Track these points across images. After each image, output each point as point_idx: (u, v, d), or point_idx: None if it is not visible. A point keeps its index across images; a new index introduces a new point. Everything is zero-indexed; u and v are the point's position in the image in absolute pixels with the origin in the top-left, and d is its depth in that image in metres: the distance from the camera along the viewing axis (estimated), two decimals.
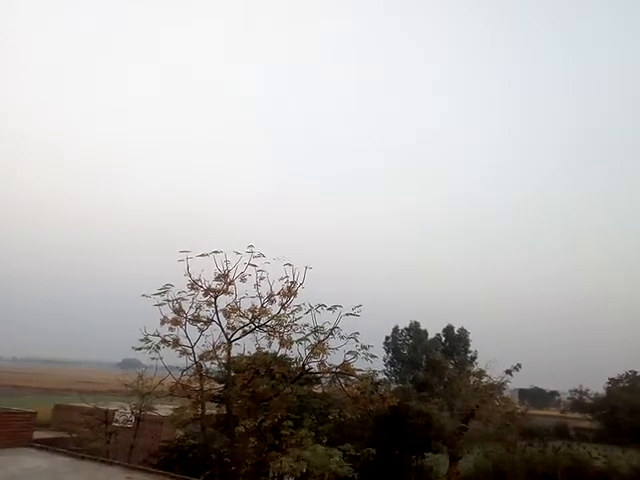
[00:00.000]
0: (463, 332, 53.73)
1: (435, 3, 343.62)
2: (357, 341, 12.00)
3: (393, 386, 30.37)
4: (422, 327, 56.48)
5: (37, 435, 15.96)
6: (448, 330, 54.02)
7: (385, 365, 54.48)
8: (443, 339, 54.05)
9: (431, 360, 30.59)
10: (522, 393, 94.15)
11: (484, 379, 22.74)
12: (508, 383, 23.37)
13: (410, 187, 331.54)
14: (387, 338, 57.32)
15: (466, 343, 53.37)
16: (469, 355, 51.27)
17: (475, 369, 24.53)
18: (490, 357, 22.80)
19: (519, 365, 22.95)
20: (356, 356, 12.07)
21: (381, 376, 18.50)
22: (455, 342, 53.38)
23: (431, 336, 55.03)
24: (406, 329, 57.47)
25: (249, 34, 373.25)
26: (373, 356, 12.33)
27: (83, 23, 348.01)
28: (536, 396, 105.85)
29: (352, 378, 12.71)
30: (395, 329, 57.91)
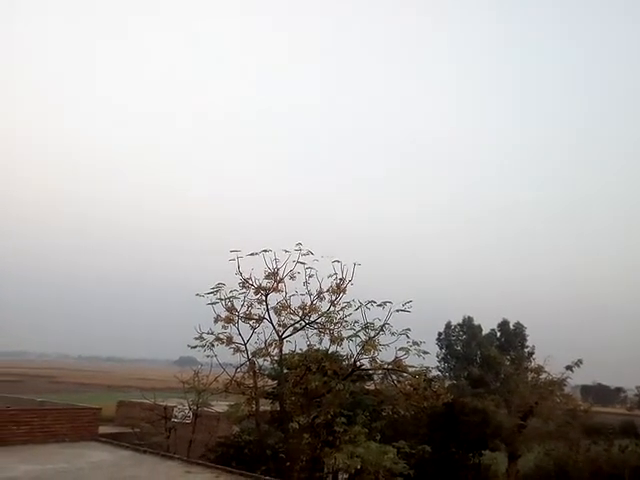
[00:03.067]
0: (519, 327, 52.07)
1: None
2: (408, 337, 11.86)
3: (447, 382, 29.83)
4: (475, 322, 55.12)
5: (102, 430, 16.69)
6: (503, 325, 52.50)
7: (438, 361, 53.52)
8: (498, 334, 52.58)
9: (486, 356, 29.84)
10: (585, 390, 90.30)
11: (543, 375, 21.92)
12: (569, 379, 22.44)
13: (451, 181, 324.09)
14: (440, 334, 56.30)
15: (523, 338, 51.66)
16: (526, 350, 49.51)
17: (533, 365, 23.69)
18: (549, 353, 21.99)
19: (580, 361, 21.97)
20: (408, 352, 11.93)
21: (434, 372, 18.12)
22: (511, 337, 51.81)
23: (485, 331, 53.62)
24: (459, 325, 56.24)
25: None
26: (425, 352, 12.15)
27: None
28: (600, 393, 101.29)
29: (404, 375, 12.56)
30: (448, 325, 56.80)
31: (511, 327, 52.16)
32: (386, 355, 12.30)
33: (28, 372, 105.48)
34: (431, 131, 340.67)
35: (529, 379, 22.28)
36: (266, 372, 14.49)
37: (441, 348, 55.36)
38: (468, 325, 55.40)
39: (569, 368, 21.80)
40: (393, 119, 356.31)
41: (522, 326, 51.80)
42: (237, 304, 12.63)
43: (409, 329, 11.89)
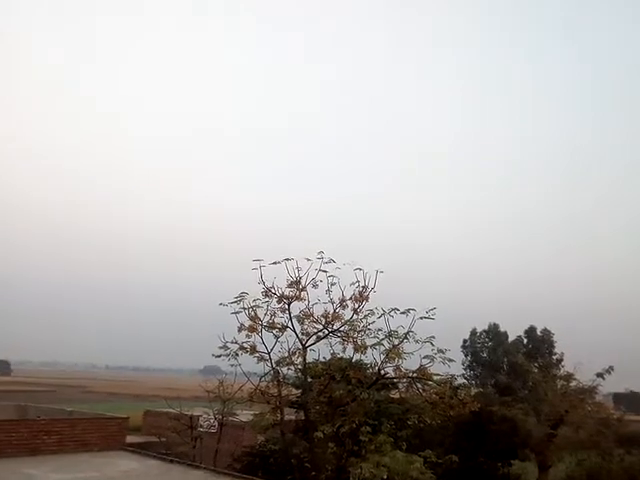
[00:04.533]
0: (547, 333, 50.88)
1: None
2: (433, 345, 11.73)
3: (473, 390, 29.34)
4: (501, 329, 54.16)
5: (129, 439, 16.90)
6: (530, 331, 51.39)
7: (464, 369, 52.59)
8: (525, 341, 51.51)
9: (513, 363, 29.29)
10: (617, 398, 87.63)
11: (573, 383, 21.44)
12: (600, 387, 21.89)
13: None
14: (465, 341, 55.42)
15: (550, 345, 50.47)
16: (554, 358, 48.43)
17: (562, 372, 23.18)
18: (578, 359, 21.51)
19: (611, 368, 21.43)
20: (433, 360, 11.80)
21: (460, 380, 17.83)
22: (538, 344, 50.68)
23: (512, 338, 52.62)
24: (485, 331, 55.28)
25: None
26: (450, 360, 12.00)
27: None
28: (633, 401, 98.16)
29: (430, 383, 12.41)
30: (473, 331, 55.89)
31: (538, 333, 51.02)
32: (411, 363, 12.20)
33: (60, 382, 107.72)
34: (447, 136, 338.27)
35: (558, 387, 21.81)
36: (290, 381, 14.50)
37: (466, 355, 54.46)
38: (494, 332, 54.43)
39: (600, 375, 21.28)
40: (404, 120, 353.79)
41: (550, 332, 50.62)
42: (260, 313, 12.69)
43: (433, 336, 11.77)
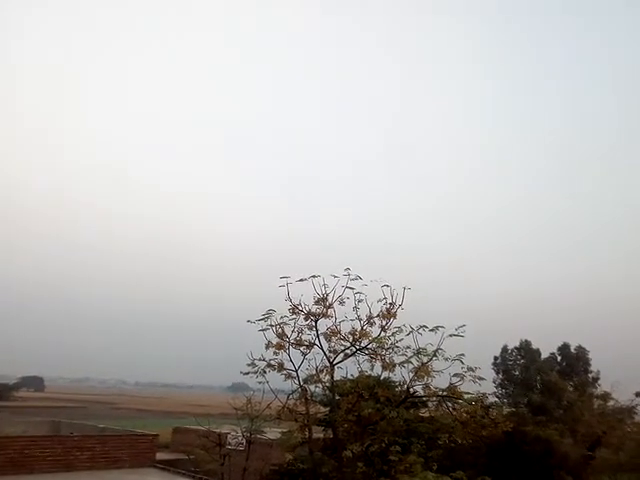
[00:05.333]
0: (581, 350, 49.32)
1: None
2: (462, 363, 11.52)
3: (506, 410, 28.59)
4: (534, 346, 52.79)
5: (158, 456, 17.06)
6: (564, 349, 49.88)
7: (495, 387, 51.25)
8: (559, 358, 50.05)
9: (546, 381, 28.48)
10: None
11: (610, 402, 20.72)
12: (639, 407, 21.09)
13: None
14: (496, 358, 54.12)
15: (586, 362, 48.84)
16: (590, 376, 46.86)
17: (599, 391, 22.43)
18: (615, 377, 20.79)
19: None
20: (462, 379, 11.58)
21: (491, 399, 17.32)
22: (573, 361, 49.14)
23: (544, 355, 51.19)
24: (516, 348, 53.95)
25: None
26: (481, 378, 11.76)
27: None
28: None
29: (460, 402, 12.17)
30: (504, 348, 54.55)
31: (572, 350, 49.56)
32: (440, 381, 12.00)
33: (91, 398, 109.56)
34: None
35: (595, 406, 21.13)
36: (318, 399, 14.40)
37: (497, 373, 53.12)
38: (526, 349, 53.02)
39: (639, 395, 20.51)
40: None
41: (585, 349, 49.03)
42: (288, 330, 12.71)
43: (463, 354, 11.57)
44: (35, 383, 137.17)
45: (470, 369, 11.56)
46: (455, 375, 11.64)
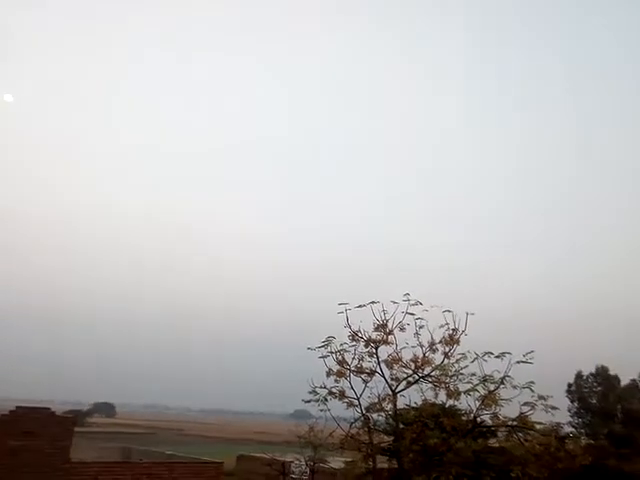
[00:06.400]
0: None
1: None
2: (532, 391, 10.97)
3: (583, 441, 26.75)
4: (612, 372, 49.34)
5: None
6: None
7: (570, 416, 48.24)
8: None
9: (629, 410, 26.48)
10: None
11: None
12: None
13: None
14: (569, 385, 51.03)
15: None
16: None
17: None
18: None
19: None
20: (533, 408, 11.01)
21: (567, 429, 16.32)
22: None
23: (624, 382, 47.67)
24: (592, 374, 50.67)
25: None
26: (554, 407, 11.12)
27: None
28: None
29: (532, 432, 11.54)
30: (578, 375, 51.37)
31: None
32: (509, 410, 11.45)
33: (158, 424, 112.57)
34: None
35: None
36: (381, 427, 14.11)
37: (572, 401, 49.99)
38: (603, 375, 49.71)
39: None
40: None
41: None
42: (348, 357, 12.63)
43: (532, 382, 11.02)
44: (106, 409, 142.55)
45: (541, 397, 10.99)
46: (525, 404, 11.10)
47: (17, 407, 15.03)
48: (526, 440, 11.69)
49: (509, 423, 11.55)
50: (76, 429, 16.10)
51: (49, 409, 15.77)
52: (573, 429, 43.32)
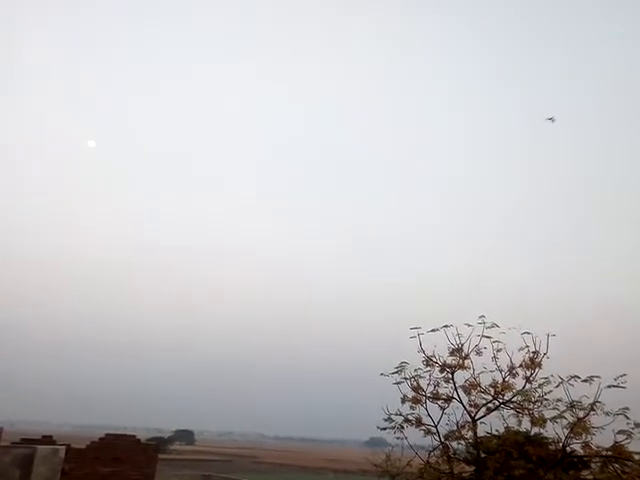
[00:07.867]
0: None
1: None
2: (627, 417, 10.16)
3: None
4: None
5: None
6: None
7: None
8: None
9: None
10: None
11: None
12: None
13: None
14: None
15: None
16: None
17: None
18: None
19: None
20: (630, 436, 10.18)
21: None
22: None
23: None
24: None
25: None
26: None
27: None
28: None
29: (629, 463, 10.65)
30: None
31: None
32: (602, 439, 10.65)
33: (234, 452, 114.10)
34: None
35: None
36: (461, 456, 13.56)
37: None
38: None
39: None
40: None
41: None
42: (423, 383, 12.35)
43: (627, 408, 10.22)
44: (186, 436, 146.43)
45: (638, 425, 10.15)
46: (620, 432, 10.29)
47: (106, 434, 15.85)
48: (623, 472, 10.80)
49: (603, 453, 10.74)
50: (159, 456, 16.67)
51: (134, 436, 16.49)
52: None
